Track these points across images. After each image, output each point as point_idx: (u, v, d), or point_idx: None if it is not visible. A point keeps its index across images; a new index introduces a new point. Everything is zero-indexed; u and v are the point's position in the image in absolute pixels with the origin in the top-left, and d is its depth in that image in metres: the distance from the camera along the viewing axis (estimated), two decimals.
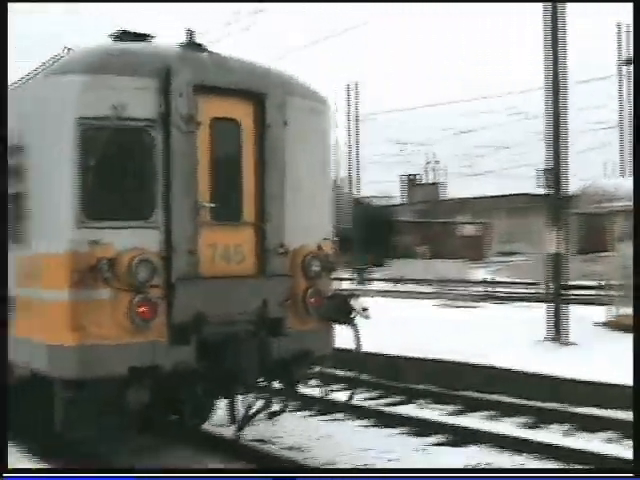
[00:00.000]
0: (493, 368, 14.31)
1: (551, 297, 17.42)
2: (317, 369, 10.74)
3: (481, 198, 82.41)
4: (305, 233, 9.50)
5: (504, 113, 73.53)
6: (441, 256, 54.39)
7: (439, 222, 73.65)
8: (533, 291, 28.51)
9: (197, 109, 8.66)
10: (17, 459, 8.54)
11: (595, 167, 60.57)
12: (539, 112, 19.24)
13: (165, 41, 9.49)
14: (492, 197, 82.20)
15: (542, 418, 12.24)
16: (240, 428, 9.67)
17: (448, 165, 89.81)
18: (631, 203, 13.75)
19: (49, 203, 8.41)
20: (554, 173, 17.47)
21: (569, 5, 17.37)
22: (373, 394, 14.37)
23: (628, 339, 11.69)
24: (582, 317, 17.86)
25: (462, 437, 11.08)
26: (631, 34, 45.10)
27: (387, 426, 11.88)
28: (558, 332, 16.78)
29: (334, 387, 12.44)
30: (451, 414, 12.89)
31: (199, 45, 9.20)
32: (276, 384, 9.79)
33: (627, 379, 9.62)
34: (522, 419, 12.31)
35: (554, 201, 17.76)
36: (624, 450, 9.79)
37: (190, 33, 9.15)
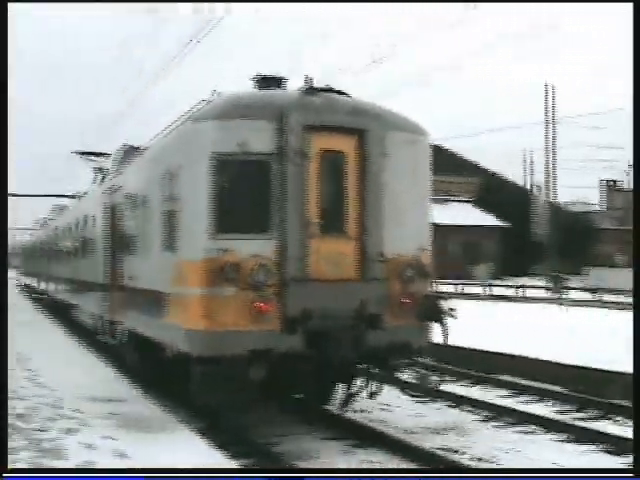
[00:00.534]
0: None
1: None
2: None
3: None
4: (401, 244, 11.28)
5: None
6: None
7: None
8: None
9: (308, 144, 10.68)
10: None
11: None
12: None
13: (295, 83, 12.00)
14: None
15: None
16: (343, 405, 12.32)
17: None
18: None
19: (190, 220, 10.89)
20: None
21: None
22: (567, 407, 14.19)
23: None
24: None
25: None
26: None
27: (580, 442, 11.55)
28: None
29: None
30: None
31: (314, 88, 11.33)
32: (377, 370, 11.76)
33: None
34: None
35: None
36: None
37: (309, 79, 11.45)
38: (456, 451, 10.93)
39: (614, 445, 11.06)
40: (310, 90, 11.25)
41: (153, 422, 10.42)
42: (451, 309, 11.36)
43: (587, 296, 39.23)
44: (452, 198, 68.25)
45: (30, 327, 25.20)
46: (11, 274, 59.58)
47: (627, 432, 11.36)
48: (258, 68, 12.26)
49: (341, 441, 11.43)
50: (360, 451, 10.86)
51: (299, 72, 12.18)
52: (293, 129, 10.58)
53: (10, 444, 8.90)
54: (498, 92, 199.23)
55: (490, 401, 14.29)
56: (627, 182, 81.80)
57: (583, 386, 15.13)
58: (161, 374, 13.43)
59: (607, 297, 37.16)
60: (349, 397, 12.22)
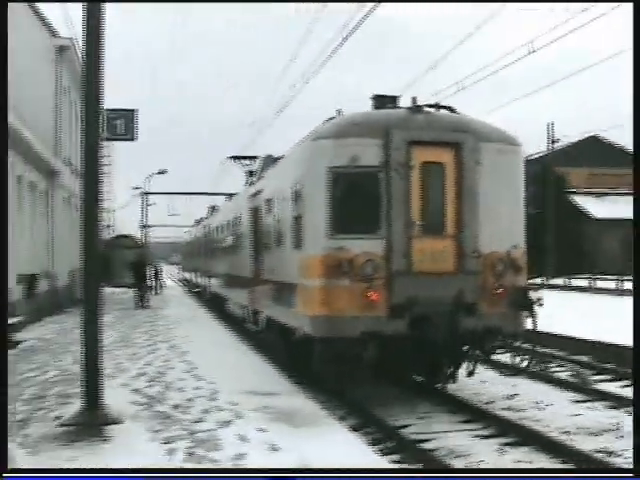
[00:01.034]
0: None
1: None
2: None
3: None
4: (494, 242, 12.81)
5: None
6: None
7: None
8: None
9: (410, 157, 12.42)
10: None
11: None
12: None
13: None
14: None
15: None
16: (444, 382, 14.03)
17: None
18: None
19: (312, 222, 12.86)
20: None
21: None
22: None
23: None
24: None
25: None
26: None
27: None
28: None
29: None
30: None
31: (418, 107, 13.02)
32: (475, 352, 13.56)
33: None
34: None
35: None
36: None
37: (414, 100, 13.12)
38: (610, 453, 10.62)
39: None
40: (414, 109, 12.97)
41: (307, 417, 10.55)
42: (539, 299, 12.90)
43: None
44: (611, 191, 65.94)
45: (193, 322, 26.13)
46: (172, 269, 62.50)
47: None
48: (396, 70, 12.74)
49: (494, 439, 11.38)
50: (512, 450, 10.72)
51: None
52: (397, 145, 12.36)
53: (166, 434, 9.27)
54: None
55: None
56: None
57: None
58: (293, 354, 15.32)
59: None
60: (452, 375, 13.87)
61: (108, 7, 10.51)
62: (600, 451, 10.60)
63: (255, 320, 19.36)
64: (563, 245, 58.65)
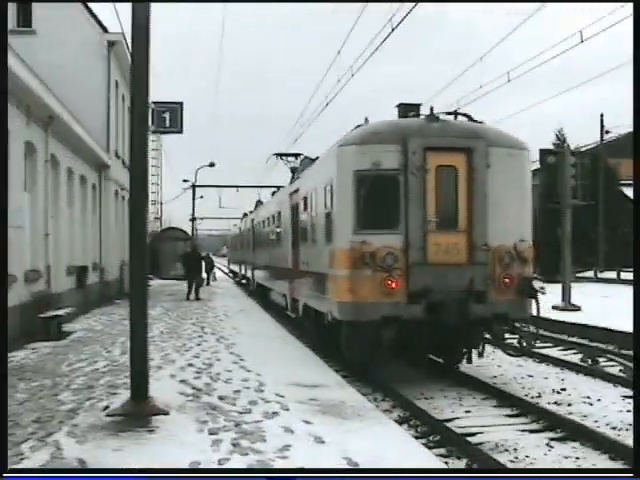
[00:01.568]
0: None
1: None
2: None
3: None
4: (502, 237, 14.15)
5: None
6: None
7: None
8: None
9: (426, 161, 13.85)
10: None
11: None
12: None
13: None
14: None
15: None
16: (456, 363, 15.66)
17: None
18: None
19: (340, 219, 14.44)
20: None
21: None
22: None
23: None
24: None
25: None
26: None
27: None
28: None
29: None
30: None
31: (434, 116, 14.48)
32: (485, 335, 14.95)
33: None
34: None
35: None
36: None
37: (431, 109, 14.63)
38: None
39: None
40: (431, 117, 14.49)
41: (353, 409, 10.52)
42: (542, 288, 14.51)
43: None
44: None
45: (241, 314, 26.30)
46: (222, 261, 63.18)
47: None
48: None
49: (541, 433, 11.29)
50: (560, 445, 10.61)
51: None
52: (415, 150, 13.80)
53: (212, 425, 9.33)
54: None
55: None
56: None
57: None
58: (324, 337, 17.02)
59: None
60: (466, 355, 15.31)
61: (156, 2, 10.61)
62: None
63: (294, 308, 21.24)
64: (614, 238, 57.82)
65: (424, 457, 8.41)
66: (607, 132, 60.45)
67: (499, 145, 14.36)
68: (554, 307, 27.39)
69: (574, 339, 20.86)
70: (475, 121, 15.15)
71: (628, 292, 18.31)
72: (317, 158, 18.79)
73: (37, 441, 8.58)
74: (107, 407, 10.25)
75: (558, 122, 48.46)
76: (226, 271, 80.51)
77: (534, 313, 14.38)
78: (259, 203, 43.15)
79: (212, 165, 59.04)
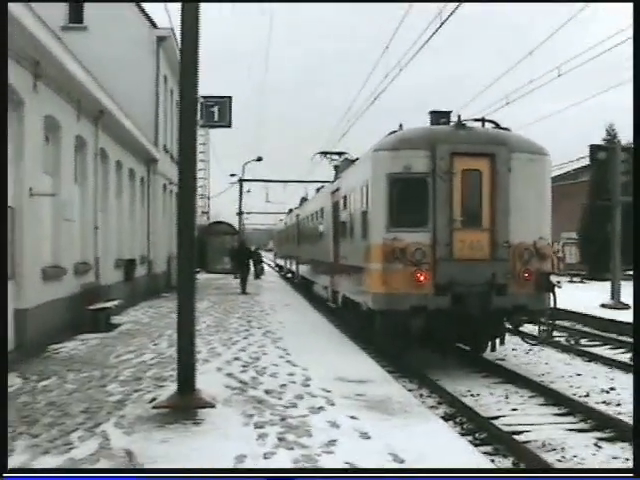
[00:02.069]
0: None
1: None
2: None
3: None
4: (523, 235, 15.28)
5: None
6: None
7: None
8: None
9: (453, 165, 15.04)
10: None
11: None
12: None
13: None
14: None
15: None
16: (481, 351, 16.73)
17: None
18: None
19: (374, 217, 15.69)
20: None
21: None
22: None
23: None
24: None
25: None
26: None
27: None
28: None
29: None
30: None
31: (461, 124, 15.64)
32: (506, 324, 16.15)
33: None
34: None
35: None
36: None
37: (459, 117, 15.83)
38: None
39: None
40: (458, 125, 15.67)
41: (398, 405, 10.49)
42: (558, 282, 15.70)
43: None
44: None
45: (288, 308, 26.37)
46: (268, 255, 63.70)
47: None
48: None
49: (589, 433, 11.16)
50: (609, 445, 10.48)
51: None
52: (442, 156, 14.99)
53: (258, 419, 9.36)
54: None
55: None
56: None
57: None
58: (360, 325, 18.35)
59: None
60: (490, 342, 16.35)
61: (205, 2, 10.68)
62: None
63: (334, 299, 22.74)
64: None
65: (470, 455, 8.35)
66: None
67: (521, 151, 15.50)
68: (603, 305, 27.06)
69: (623, 338, 20.55)
70: (501, 128, 16.34)
71: None
72: (357, 159, 20.33)
73: (85, 431, 8.69)
74: (154, 399, 10.34)
75: (609, 117, 47.77)
76: (272, 265, 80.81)
77: (552, 305, 15.33)
78: (304, 199, 44.22)
79: (259, 160, 59.11)
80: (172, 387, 10.58)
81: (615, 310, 25.79)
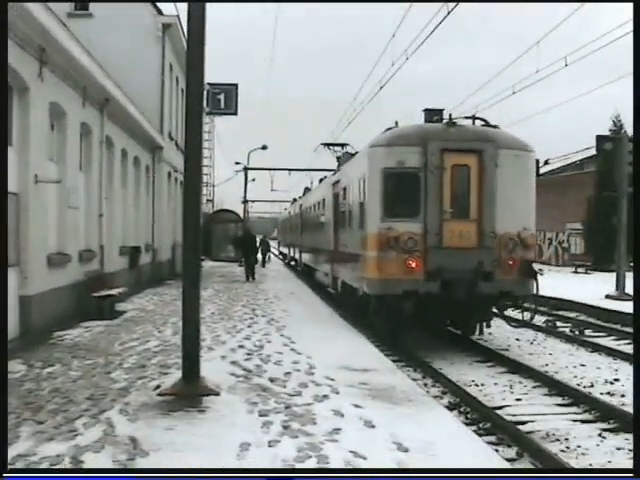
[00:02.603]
0: None
1: None
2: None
3: None
4: (508, 225, 16.29)
5: None
6: None
7: None
8: None
9: (443, 161, 16.15)
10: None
11: None
12: None
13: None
14: None
15: None
16: (471, 334, 17.90)
17: None
18: None
19: (370, 208, 16.77)
20: None
21: None
22: None
23: None
24: None
25: None
26: None
27: None
28: None
29: None
30: None
31: (452, 122, 16.70)
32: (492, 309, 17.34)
33: None
34: None
35: None
36: None
37: (450, 116, 17.03)
38: None
39: None
40: (449, 123, 16.74)
41: (403, 394, 10.47)
42: (540, 269, 16.54)
43: None
44: None
45: (292, 296, 26.41)
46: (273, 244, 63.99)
47: None
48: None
49: (593, 423, 11.14)
50: (613, 436, 10.46)
51: None
52: (433, 152, 16.13)
53: (262, 407, 9.36)
54: None
55: None
56: None
57: None
58: (357, 309, 19.41)
59: None
60: (477, 326, 17.71)
61: None
62: None
63: (334, 285, 23.95)
64: None
65: (474, 444, 8.35)
66: None
67: (507, 147, 16.55)
68: (607, 296, 27.02)
69: (628, 329, 20.51)
70: (490, 125, 17.41)
71: None
72: (356, 153, 21.66)
73: (90, 418, 8.69)
74: (158, 386, 10.34)
75: (615, 108, 47.47)
76: (276, 253, 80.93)
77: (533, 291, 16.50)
78: (307, 190, 45.29)
79: (264, 148, 59.10)
80: (177, 374, 10.56)
81: (620, 301, 25.75)
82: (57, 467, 6.94)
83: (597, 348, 17.73)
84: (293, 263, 50.08)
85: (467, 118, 17.67)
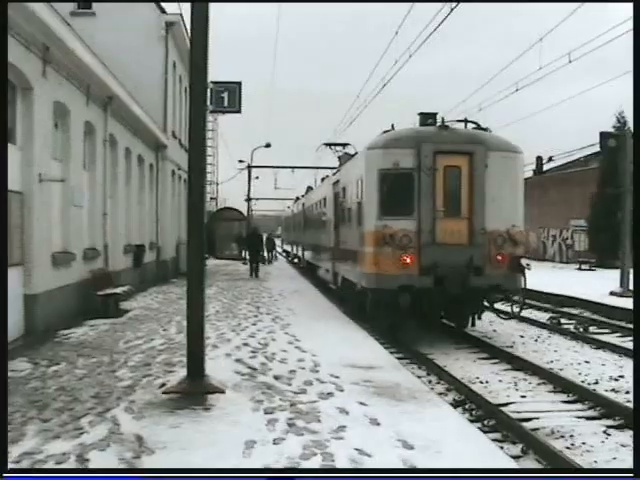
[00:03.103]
0: None
1: None
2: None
3: None
4: (497, 223, 17.17)
5: None
6: None
7: None
8: None
9: (436, 162, 17.07)
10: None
11: None
12: None
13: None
14: None
15: None
16: (464, 326, 19.01)
17: None
18: None
19: (367, 207, 17.72)
20: None
21: None
22: None
23: None
24: None
25: None
26: None
27: None
28: None
29: None
30: None
31: (445, 125, 17.79)
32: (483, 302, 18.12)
33: None
34: None
35: None
36: None
37: (442, 119, 18.09)
38: None
39: None
40: (441, 126, 17.83)
41: (408, 391, 10.47)
42: (528, 264, 17.37)
43: None
44: None
45: (296, 294, 26.42)
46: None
47: None
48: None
49: (598, 420, 11.13)
50: (617, 433, 10.44)
51: None
52: (426, 154, 17.04)
53: (267, 404, 9.37)
54: None
55: None
56: None
57: None
58: (356, 303, 20.04)
59: None
60: (472, 321, 18.80)
61: None
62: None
63: (335, 281, 24.83)
64: None
65: (479, 441, 8.36)
66: None
67: (496, 149, 17.47)
68: (612, 293, 27.01)
69: (632, 325, 20.48)
70: (481, 128, 18.45)
71: None
72: (355, 154, 22.87)
73: (96, 416, 8.71)
74: (164, 384, 10.36)
75: (620, 104, 47.45)
76: (280, 251, 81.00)
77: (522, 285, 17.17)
78: (309, 189, 46.02)
79: (268, 146, 59.02)
80: (181, 372, 10.59)
81: (624, 298, 25.73)
82: (60, 467, 6.95)
83: (602, 345, 17.73)
84: (296, 261, 50.47)
85: (459, 122, 18.68)
